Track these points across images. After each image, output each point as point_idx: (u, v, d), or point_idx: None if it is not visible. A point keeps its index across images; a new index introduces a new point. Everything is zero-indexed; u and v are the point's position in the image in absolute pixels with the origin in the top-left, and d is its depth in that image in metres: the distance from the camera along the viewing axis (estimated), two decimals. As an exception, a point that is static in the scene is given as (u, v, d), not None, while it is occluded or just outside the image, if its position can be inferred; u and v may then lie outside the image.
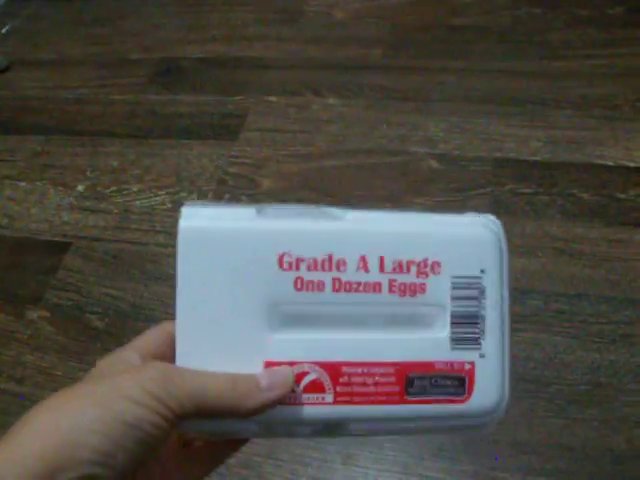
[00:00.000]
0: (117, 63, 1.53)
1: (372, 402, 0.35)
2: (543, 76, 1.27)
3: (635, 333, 0.93)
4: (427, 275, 0.36)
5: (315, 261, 0.34)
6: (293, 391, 0.34)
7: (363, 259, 0.35)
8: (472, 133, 1.20)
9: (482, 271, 0.37)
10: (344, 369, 0.34)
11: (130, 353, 0.36)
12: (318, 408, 0.34)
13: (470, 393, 0.37)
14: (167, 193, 1.24)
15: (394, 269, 0.35)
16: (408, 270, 0.36)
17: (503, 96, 1.25)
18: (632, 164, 1.12)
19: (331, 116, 1.30)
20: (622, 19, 1.34)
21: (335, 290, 0.35)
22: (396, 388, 0.35)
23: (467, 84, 1.29)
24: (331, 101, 1.33)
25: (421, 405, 0.35)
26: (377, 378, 0.35)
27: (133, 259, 1.12)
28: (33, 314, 1.11)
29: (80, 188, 1.30)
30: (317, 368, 0.34)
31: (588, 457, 0.84)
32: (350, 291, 0.35)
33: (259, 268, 0.34)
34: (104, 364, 0.35)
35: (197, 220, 0.35)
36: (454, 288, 0.36)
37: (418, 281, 0.36)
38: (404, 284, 0.35)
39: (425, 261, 0.36)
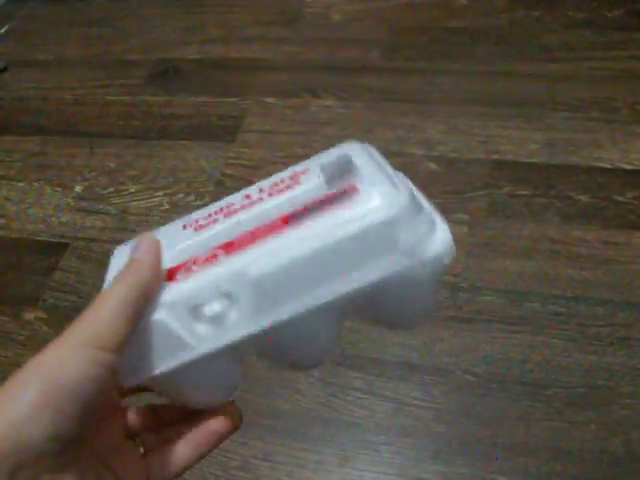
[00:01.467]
0: (115, 64, 1.53)
1: (259, 238, 0.34)
2: (541, 78, 1.27)
3: (632, 336, 0.93)
4: (299, 177, 0.37)
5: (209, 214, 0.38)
6: (189, 269, 0.35)
7: (247, 195, 0.38)
8: (470, 135, 1.20)
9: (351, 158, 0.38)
10: (231, 243, 0.35)
11: None
12: (214, 267, 0.34)
13: (360, 195, 0.34)
14: (164, 194, 1.24)
15: (271, 187, 0.37)
16: (282, 182, 0.38)
17: (501, 98, 1.25)
18: (629, 167, 1.12)
19: (329, 118, 1.30)
20: (620, 22, 1.34)
21: (226, 216, 0.37)
22: (278, 223, 0.35)
23: (465, 86, 1.29)
24: (329, 103, 1.33)
25: (311, 222, 0.34)
26: (260, 228, 0.35)
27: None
28: (30, 315, 1.11)
29: (78, 189, 1.30)
30: (209, 250, 0.35)
31: (585, 460, 0.84)
32: (238, 212, 0.37)
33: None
34: None
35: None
36: (323, 169, 0.37)
37: (292, 182, 0.37)
38: (280, 189, 0.37)
39: (295, 173, 0.38)
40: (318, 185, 0.36)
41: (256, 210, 0.36)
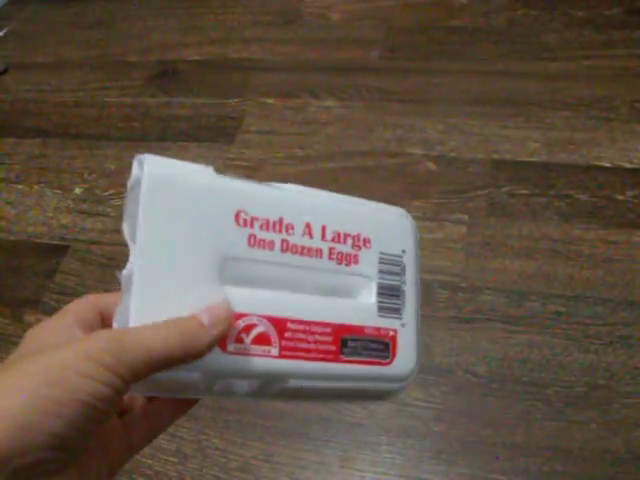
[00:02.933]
0: (114, 66, 1.53)
1: (312, 359, 0.37)
2: (540, 77, 1.27)
3: (633, 335, 0.93)
4: (360, 248, 0.40)
5: (267, 222, 0.37)
6: (242, 341, 0.35)
7: (308, 226, 0.38)
8: (469, 135, 1.20)
9: (403, 251, 0.42)
10: (289, 325, 0.36)
11: (59, 324, 0.35)
12: (265, 360, 0.35)
13: (393, 357, 0.41)
14: (164, 196, 1.24)
15: (333, 238, 0.39)
16: (345, 241, 0.39)
17: (500, 97, 1.25)
18: (629, 165, 1.12)
19: (328, 118, 1.30)
20: (619, 20, 1.34)
21: (283, 250, 0.37)
22: (333, 347, 0.38)
23: (464, 86, 1.29)
24: (328, 103, 1.33)
25: (354, 365, 0.39)
26: (317, 337, 0.37)
27: (130, 262, 1.11)
28: (31, 317, 1.11)
29: (77, 191, 1.30)
30: (265, 321, 0.36)
31: (586, 459, 0.84)
32: (295, 253, 0.37)
33: (216, 222, 0.35)
34: (34, 336, 0.34)
35: (162, 168, 0.35)
36: (381, 262, 0.41)
37: (352, 252, 0.40)
38: (341, 253, 0.39)
39: (359, 235, 0.40)
40: (369, 304, 0.40)
41: (312, 265, 0.38)
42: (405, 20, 1.46)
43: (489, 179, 1.13)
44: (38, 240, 1.24)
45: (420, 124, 1.25)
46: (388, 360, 0.40)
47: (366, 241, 0.40)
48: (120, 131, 1.39)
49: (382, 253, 0.41)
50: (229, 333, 0.34)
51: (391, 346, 0.40)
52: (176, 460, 0.92)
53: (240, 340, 0.35)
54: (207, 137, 1.33)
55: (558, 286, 0.99)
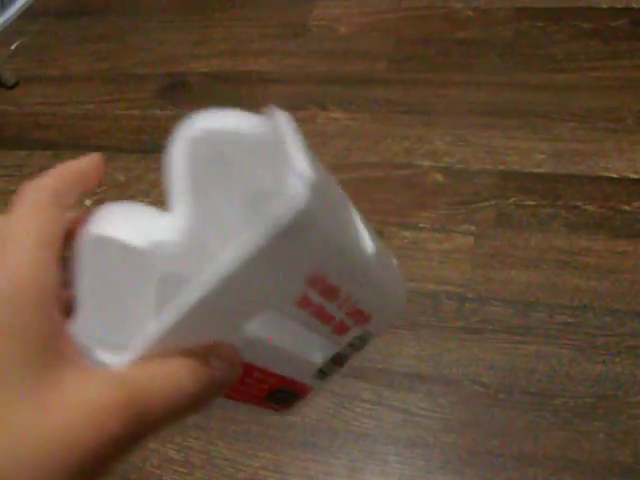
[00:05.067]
0: (123, 79, 1.55)
1: (241, 399, 0.34)
2: (546, 89, 1.28)
3: (640, 345, 0.93)
4: (359, 325, 0.34)
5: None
6: None
7: (338, 289, 0.30)
8: (476, 146, 1.21)
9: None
10: (254, 372, 0.32)
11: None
12: None
13: (293, 407, 0.38)
14: (173, 207, 1.25)
15: (348, 313, 0.32)
16: (354, 316, 0.33)
17: (507, 109, 1.26)
18: (636, 176, 1.12)
19: (336, 130, 1.31)
20: (625, 31, 1.35)
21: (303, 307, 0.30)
22: (263, 394, 0.34)
23: (471, 97, 1.30)
24: (336, 115, 1.34)
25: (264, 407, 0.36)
26: (259, 383, 0.33)
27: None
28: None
29: (87, 203, 1.31)
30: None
31: (594, 470, 0.84)
32: (312, 315, 0.30)
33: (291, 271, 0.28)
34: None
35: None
36: (357, 338, 0.35)
37: (350, 326, 0.33)
38: (343, 325, 0.33)
39: (365, 312, 0.33)
40: (314, 363, 0.35)
41: (315, 327, 0.32)
42: (412, 32, 1.47)
43: (496, 190, 1.14)
44: (49, 251, 1.25)
45: (427, 136, 1.25)
46: (289, 408, 0.38)
47: (366, 319, 0.34)
48: (130, 143, 1.40)
49: (366, 333, 0.35)
50: None
51: (299, 400, 0.37)
52: (185, 470, 0.92)
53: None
54: (216, 149, 1.33)
55: (565, 297, 0.99)
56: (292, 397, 0.37)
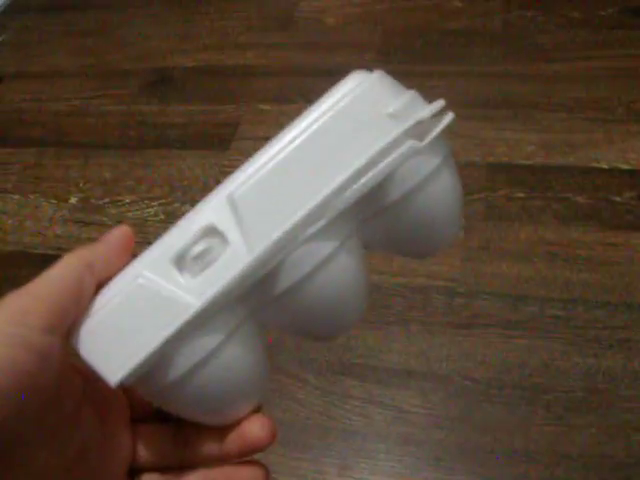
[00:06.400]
0: (109, 74, 1.53)
1: None
2: (535, 79, 1.26)
3: (632, 338, 0.92)
4: None
5: None
6: None
7: None
8: (464, 138, 1.20)
9: None
10: None
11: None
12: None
13: None
14: (160, 204, 1.23)
15: None
16: None
17: (495, 100, 1.25)
18: (627, 166, 1.11)
19: (324, 123, 1.29)
20: (614, 20, 1.33)
21: None
22: None
23: (459, 88, 1.28)
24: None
25: None
26: None
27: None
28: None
29: (73, 200, 1.29)
30: None
31: (587, 465, 0.83)
32: None
33: None
34: None
35: None
36: None
37: None
38: None
39: None
40: None
41: None
42: (400, 23, 1.45)
43: (485, 182, 1.13)
44: (34, 251, 1.23)
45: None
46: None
47: None
48: (116, 139, 1.39)
49: None
50: None
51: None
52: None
53: None
54: (203, 144, 1.32)
55: (556, 290, 0.98)
56: None
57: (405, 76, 1.33)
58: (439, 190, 0.31)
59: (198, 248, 0.28)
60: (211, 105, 1.39)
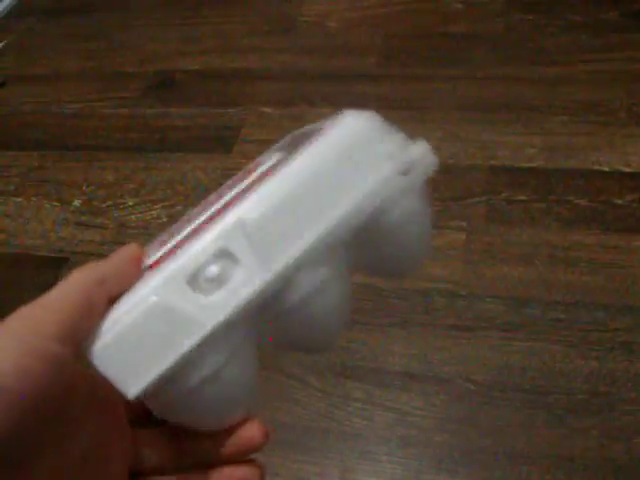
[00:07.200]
0: (112, 77, 1.53)
1: None
2: (537, 82, 1.27)
3: (634, 340, 0.92)
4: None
5: None
6: None
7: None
8: (467, 141, 1.20)
9: None
10: None
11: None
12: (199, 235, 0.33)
13: None
14: (162, 207, 1.24)
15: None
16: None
17: (497, 103, 1.25)
18: (628, 169, 1.11)
19: (326, 126, 1.29)
20: (616, 23, 1.34)
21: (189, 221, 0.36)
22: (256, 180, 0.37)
23: (461, 92, 1.29)
24: (325, 111, 1.32)
25: None
26: None
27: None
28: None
29: (76, 203, 1.30)
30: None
31: (588, 467, 0.83)
32: (213, 203, 0.37)
33: None
34: None
35: None
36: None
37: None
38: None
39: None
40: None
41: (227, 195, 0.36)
42: (401, 27, 1.45)
43: (487, 185, 1.13)
44: (37, 253, 1.23)
45: (417, 131, 1.23)
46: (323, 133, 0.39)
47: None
48: (118, 142, 1.39)
49: None
50: None
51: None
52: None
53: (172, 252, 0.33)
54: (205, 147, 1.32)
55: (558, 292, 0.99)
56: None
57: (407, 80, 1.34)
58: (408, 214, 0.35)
59: (213, 269, 0.30)
60: (213, 108, 1.40)
